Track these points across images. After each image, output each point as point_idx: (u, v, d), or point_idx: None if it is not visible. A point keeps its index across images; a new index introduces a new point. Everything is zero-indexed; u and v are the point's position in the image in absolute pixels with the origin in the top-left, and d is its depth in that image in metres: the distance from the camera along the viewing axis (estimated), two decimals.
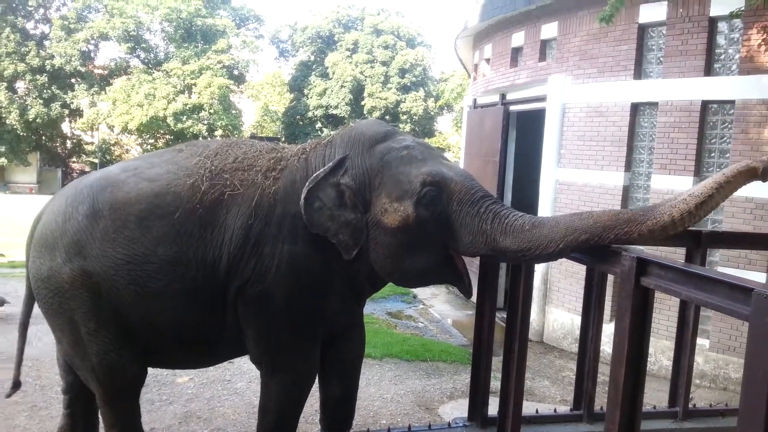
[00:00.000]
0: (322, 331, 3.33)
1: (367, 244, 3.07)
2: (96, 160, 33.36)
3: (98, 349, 3.16)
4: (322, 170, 3.06)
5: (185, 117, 31.35)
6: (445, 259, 3.06)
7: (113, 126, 32.56)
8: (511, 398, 3.10)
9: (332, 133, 3.47)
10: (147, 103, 30.64)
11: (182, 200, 3.11)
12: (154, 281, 3.07)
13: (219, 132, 32.32)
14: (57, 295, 3.16)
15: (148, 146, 33.41)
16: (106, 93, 32.14)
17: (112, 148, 35.75)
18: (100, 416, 3.56)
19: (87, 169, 34.68)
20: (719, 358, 6.41)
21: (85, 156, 36.12)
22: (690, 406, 3.78)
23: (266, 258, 3.09)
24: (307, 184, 3.03)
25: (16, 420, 4.43)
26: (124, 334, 3.17)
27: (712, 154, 6.78)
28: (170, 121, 31.03)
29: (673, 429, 3.65)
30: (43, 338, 5.99)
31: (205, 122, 32.16)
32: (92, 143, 35.88)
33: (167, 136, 32.70)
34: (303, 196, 3.01)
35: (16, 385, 3.58)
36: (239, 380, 5.36)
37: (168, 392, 4.96)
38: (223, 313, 3.20)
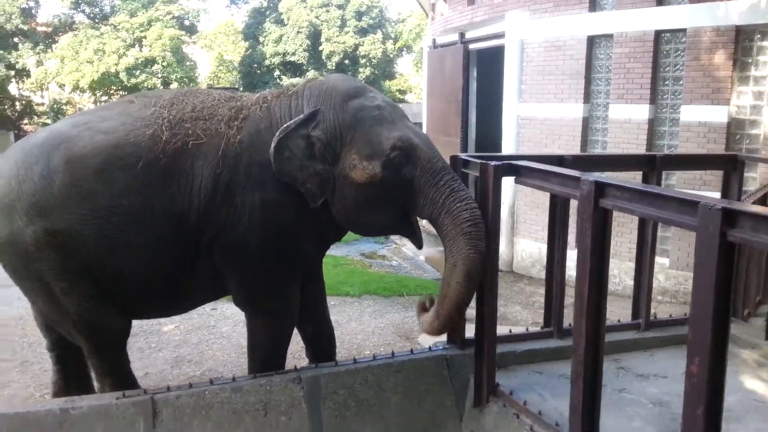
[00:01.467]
0: (299, 274, 3.52)
1: (332, 195, 3.24)
2: (49, 121, 32.20)
3: (75, 308, 3.20)
4: (293, 121, 3.15)
5: (138, 71, 30.40)
6: (401, 216, 3.32)
7: (64, 85, 31.43)
8: (487, 319, 3.33)
9: (294, 83, 3.53)
10: (97, 59, 29.56)
11: (143, 150, 3.12)
12: (123, 233, 3.10)
13: (174, 85, 31.47)
14: (22, 258, 3.13)
15: (102, 103, 32.40)
16: (52, 51, 30.87)
17: (65, 108, 34.57)
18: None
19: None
20: (678, 274, 6.82)
21: (36, 117, 34.87)
22: (651, 318, 4.10)
23: (237, 206, 3.18)
24: (278, 133, 3.12)
25: (9, 376, 4.55)
26: (98, 289, 3.21)
27: (667, 82, 7.02)
28: (123, 76, 30.06)
29: (636, 338, 3.97)
30: (23, 298, 6.02)
31: (159, 76, 31.25)
32: (43, 104, 34.63)
33: (121, 92, 31.72)
34: (273, 145, 3.10)
35: None
36: (224, 325, 5.54)
37: (156, 340, 5.11)
38: (194, 261, 3.28)
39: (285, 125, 3.15)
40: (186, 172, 3.16)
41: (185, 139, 3.17)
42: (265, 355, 3.59)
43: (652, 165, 3.89)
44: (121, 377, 3.55)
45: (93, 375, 3.58)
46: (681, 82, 6.83)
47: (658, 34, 6.93)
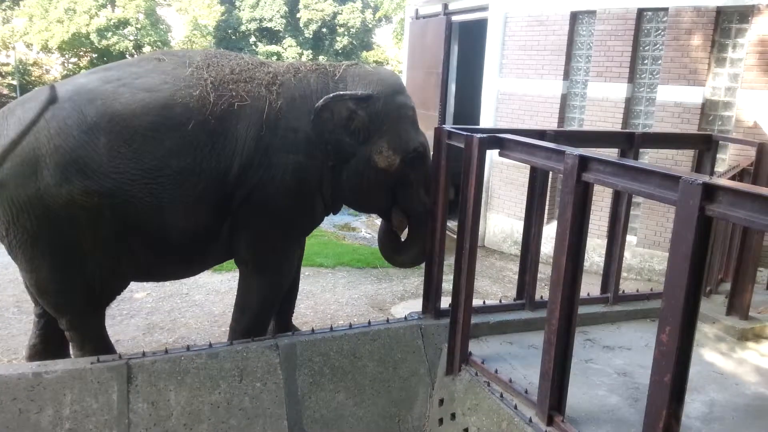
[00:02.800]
0: (303, 238, 3.82)
1: (348, 169, 3.55)
2: (15, 82, 31.28)
3: (91, 271, 3.18)
4: (349, 92, 3.46)
5: (110, 33, 29.56)
6: (392, 202, 3.79)
7: (31, 44, 30.42)
8: (463, 290, 3.37)
9: (330, 63, 3.81)
10: (67, 19, 28.64)
11: (193, 111, 3.17)
12: (168, 192, 3.14)
13: (147, 49, 30.71)
14: (44, 220, 3.00)
15: (71, 66, 31.51)
16: (20, 8, 29.79)
17: (31, 69, 33.54)
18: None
19: (5, 91, 32.49)
20: (645, 252, 6.96)
21: (1, 78, 33.81)
22: (619, 293, 4.20)
23: (272, 168, 3.33)
24: (332, 95, 3.41)
25: None
26: (121, 250, 3.21)
27: (646, 62, 7.06)
28: (94, 37, 29.20)
29: (604, 312, 4.08)
30: None
31: (132, 38, 30.44)
32: (8, 64, 33.52)
33: (91, 54, 30.86)
34: (321, 102, 3.38)
35: None
36: (197, 293, 5.50)
37: (128, 307, 5.06)
38: (225, 220, 3.37)
39: (340, 92, 3.44)
40: (231, 133, 3.26)
41: (231, 100, 3.27)
42: (257, 314, 3.69)
43: (630, 142, 3.94)
44: (104, 344, 3.54)
45: (72, 345, 3.52)
46: (659, 62, 6.88)
47: (641, 12, 6.95)
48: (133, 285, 5.48)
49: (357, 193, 3.67)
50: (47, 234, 3.05)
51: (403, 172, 3.65)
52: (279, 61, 3.75)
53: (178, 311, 5.11)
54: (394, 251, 4.04)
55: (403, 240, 4.03)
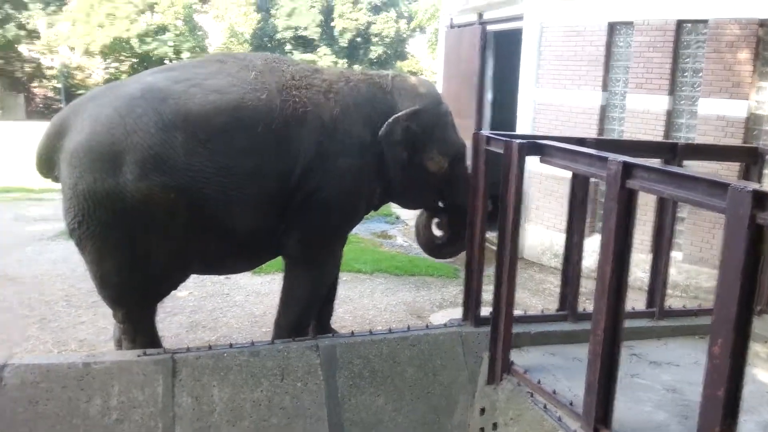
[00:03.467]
0: (347, 234, 4.00)
1: (401, 173, 3.81)
2: (59, 85, 32.15)
3: (156, 265, 3.28)
4: (404, 112, 3.74)
5: (149, 39, 30.22)
6: (438, 199, 4.18)
7: (74, 48, 31.26)
8: (504, 297, 3.37)
9: (377, 73, 4.08)
10: (108, 24, 29.39)
11: (261, 114, 3.33)
12: (237, 191, 3.27)
13: (186, 55, 31.29)
14: (120, 213, 3.08)
15: (112, 70, 32.26)
16: (62, 12, 30.67)
17: (74, 72, 34.43)
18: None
19: (50, 94, 33.40)
20: (691, 269, 6.83)
21: (46, 81, 34.75)
22: (666, 308, 4.12)
23: (331, 171, 3.50)
24: (390, 120, 3.68)
25: (29, 331, 4.63)
26: (189, 244, 3.31)
27: (686, 74, 6.98)
28: (134, 42, 29.91)
29: (651, 326, 4.00)
30: (41, 257, 6.17)
31: (170, 44, 31.06)
32: (53, 67, 34.45)
33: (131, 60, 31.57)
34: (384, 129, 3.67)
35: None
36: (237, 294, 5.59)
37: (171, 305, 5.16)
38: (282, 219, 3.51)
39: (397, 115, 3.71)
40: (295, 137, 3.42)
41: (295, 106, 3.44)
42: (303, 308, 3.83)
43: (673, 153, 3.90)
44: (155, 338, 3.64)
45: (124, 337, 3.59)
46: (700, 75, 6.79)
47: (680, 23, 6.87)
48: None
49: (409, 194, 4.04)
50: (121, 228, 3.13)
51: (450, 172, 3.99)
52: (329, 68, 3.99)
53: (220, 311, 5.21)
54: (435, 244, 4.38)
55: (439, 234, 4.40)
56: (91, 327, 4.69)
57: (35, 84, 35.54)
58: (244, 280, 5.68)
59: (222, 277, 5.83)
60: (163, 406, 3.16)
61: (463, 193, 4.03)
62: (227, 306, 5.32)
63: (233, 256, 3.66)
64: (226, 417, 3.23)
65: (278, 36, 35.28)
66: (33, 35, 31.80)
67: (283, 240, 3.61)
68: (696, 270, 6.79)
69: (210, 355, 3.31)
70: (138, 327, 3.52)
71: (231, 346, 3.41)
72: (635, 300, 4.17)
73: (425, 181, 3.96)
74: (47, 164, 3.27)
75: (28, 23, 30.83)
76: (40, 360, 3.19)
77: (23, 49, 33.58)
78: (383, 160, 3.75)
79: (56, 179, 3.30)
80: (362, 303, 5.62)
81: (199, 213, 3.23)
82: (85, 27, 29.65)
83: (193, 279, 5.74)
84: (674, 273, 6.66)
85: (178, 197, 3.14)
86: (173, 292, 5.37)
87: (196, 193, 3.18)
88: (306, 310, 3.86)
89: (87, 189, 3.05)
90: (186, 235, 3.28)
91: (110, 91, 3.30)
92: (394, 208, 9.17)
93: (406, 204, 4.33)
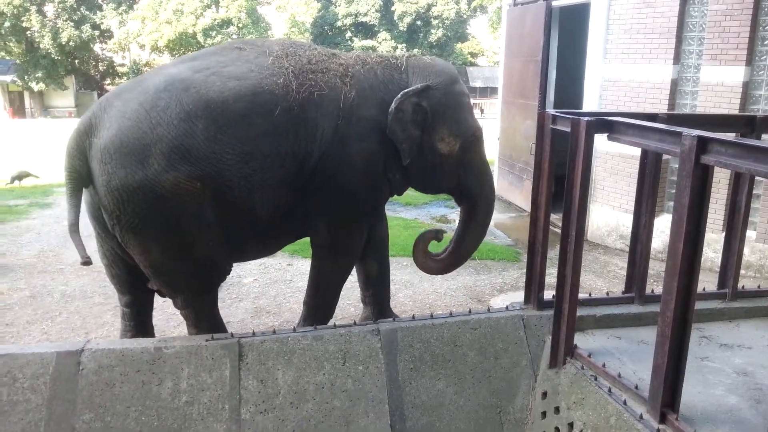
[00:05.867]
0: (371, 219, 3.96)
1: (415, 156, 3.75)
2: None
3: (200, 253, 3.36)
4: (412, 89, 3.65)
5: (214, 32, 31.03)
6: (455, 183, 4.03)
7: (144, 45, 32.48)
8: (569, 279, 3.27)
9: (393, 55, 4.00)
10: (175, 20, 30.37)
11: (279, 98, 3.34)
12: (259, 176, 3.31)
13: None
14: (153, 205, 3.13)
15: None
16: (134, 11, 31.89)
17: (144, 69, 35.79)
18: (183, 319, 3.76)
19: None
20: (766, 248, 6.48)
21: (118, 78, 36.29)
22: (738, 288, 3.92)
23: (347, 155, 3.49)
24: (400, 96, 3.60)
25: (104, 318, 4.86)
26: (221, 232, 3.38)
27: (766, 42, 6.56)
28: (200, 37, 30.79)
29: (722, 308, 3.82)
30: None
31: (234, 37, 31.78)
32: (124, 65, 35.92)
33: None
34: (394, 105, 3.58)
35: (88, 258, 3.35)
36: (300, 280, 5.69)
37: (237, 291, 5.32)
38: (301, 203, 3.53)
39: (405, 90, 3.63)
40: (312, 120, 3.43)
41: (311, 89, 3.44)
42: (329, 292, 3.98)
43: (751, 126, 3.67)
44: (217, 321, 3.75)
45: (187, 323, 3.73)
46: None
47: None
48: (241, 270, 5.80)
49: (422, 177, 3.93)
50: (157, 217, 3.18)
51: (463, 154, 3.91)
52: (347, 52, 3.93)
53: (283, 296, 5.31)
54: (428, 265, 4.28)
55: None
56: (161, 313, 4.86)
57: (108, 81, 37.15)
58: (306, 266, 5.73)
59: (284, 264, 5.96)
60: (231, 388, 3.24)
61: (475, 182, 4.02)
62: (290, 292, 5.42)
63: (255, 242, 3.68)
64: (290, 399, 3.29)
65: (338, 24, 35.50)
66: (106, 35, 33.24)
67: (311, 227, 3.69)
68: None
69: (274, 339, 3.37)
70: (199, 312, 3.62)
71: (294, 330, 3.47)
72: (705, 281, 3.97)
73: (438, 164, 3.87)
74: (78, 162, 3.23)
75: (101, 23, 32.22)
76: (114, 345, 3.31)
77: (97, 48, 35.15)
78: None
79: (83, 182, 3.25)
80: (422, 287, 5.61)
81: (225, 200, 3.27)
82: (154, 24, 30.74)
83: (257, 266, 5.94)
84: (747, 253, 6.33)
85: (204, 185, 3.19)
86: (238, 279, 5.61)
87: (221, 180, 3.22)
88: (332, 293, 4.03)
89: (120, 184, 3.10)
90: (219, 223, 3.33)
91: (136, 86, 3.33)
92: None
93: (424, 188, 4.17)
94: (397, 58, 3.89)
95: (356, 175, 3.58)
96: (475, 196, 4.09)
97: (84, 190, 3.31)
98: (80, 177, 3.24)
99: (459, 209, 4.27)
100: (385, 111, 3.63)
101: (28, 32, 30.79)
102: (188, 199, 3.18)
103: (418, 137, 3.73)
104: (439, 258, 4.30)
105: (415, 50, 33.49)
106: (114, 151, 3.11)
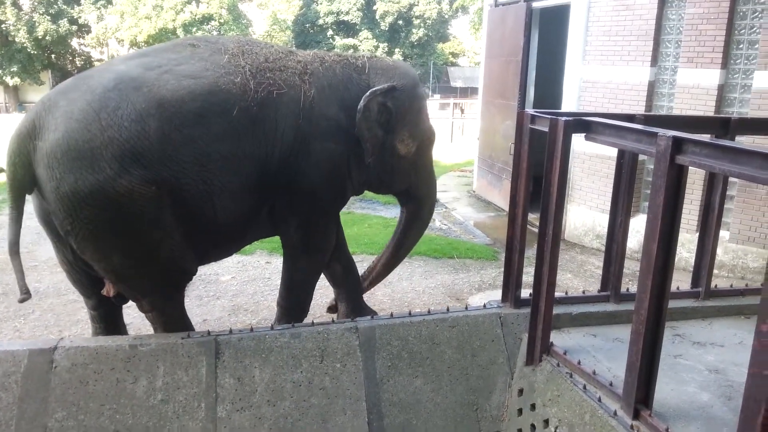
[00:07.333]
0: (338, 218, 4.04)
1: (377, 156, 3.76)
2: None
3: (163, 257, 3.22)
4: (378, 88, 3.66)
5: (195, 28, 30.75)
6: (407, 183, 4.11)
7: (122, 40, 32.07)
8: (545, 278, 3.30)
9: (353, 52, 3.94)
10: (155, 15, 30.02)
11: (236, 98, 3.23)
12: (218, 178, 3.20)
13: None
14: (108, 212, 2.94)
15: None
16: (113, 6, 31.47)
17: None
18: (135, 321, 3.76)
19: None
20: (738, 248, 6.59)
21: None
22: (712, 287, 3.98)
23: (310, 155, 3.44)
24: (367, 95, 3.61)
25: (77, 315, 4.79)
26: (184, 235, 3.26)
27: (741, 46, 6.66)
28: (180, 33, 30.47)
29: (695, 307, 3.88)
30: None
31: (215, 33, 31.52)
32: (102, 60, 35.40)
33: None
34: (362, 103, 3.59)
35: (27, 293, 3.23)
36: (278, 278, 5.58)
37: (214, 289, 5.28)
38: (266, 204, 3.50)
39: (373, 89, 3.63)
40: (271, 120, 3.36)
41: (270, 88, 3.36)
42: (302, 291, 3.96)
43: (725, 128, 3.72)
44: (185, 322, 3.69)
45: (154, 327, 3.66)
46: (756, 46, 6.47)
47: None
48: (219, 268, 5.75)
49: (379, 176, 3.95)
50: (113, 225, 3.01)
51: (415, 159, 4.00)
52: (304, 51, 3.89)
53: (261, 294, 5.28)
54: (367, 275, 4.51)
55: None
56: (136, 311, 4.71)
57: None
58: None
59: (263, 261, 5.92)
60: (207, 386, 3.22)
61: (423, 184, 4.13)
62: (269, 290, 5.39)
63: (218, 244, 3.60)
64: (267, 397, 3.27)
65: (320, 22, 35.40)
66: (84, 29, 32.74)
67: (281, 228, 3.68)
68: (743, 249, 6.55)
69: (252, 337, 3.35)
70: (166, 314, 3.53)
71: (272, 328, 3.45)
72: (679, 281, 4.03)
73: (395, 165, 3.93)
74: (21, 169, 2.99)
75: (79, 18, 31.74)
76: (89, 342, 3.26)
77: (74, 43, 34.61)
78: (358, 141, 3.66)
79: (26, 190, 3.07)
80: (401, 286, 5.62)
81: (184, 203, 3.14)
82: (133, 19, 30.36)
83: (235, 263, 5.90)
84: (720, 253, 6.44)
85: (160, 189, 3.02)
86: (216, 277, 5.57)
87: (177, 183, 3.07)
88: (306, 293, 4.00)
89: (70, 190, 2.88)
90: (179, 226, 3.20)
91: (81, 83, 3.08)
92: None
93: (378, 188, 4.15)
94: (357, 58, 3.86)
95: (321, 175, 3.55)
96: (422, 197, 4.20)
97: (32, 194, 3.12)
98: (23, 185, 3.02)
99: (436, 209, 4.32)
100: (346, 110, 3.59)
101: (3, 25, 30.22)
102: (146, 205, 3.00)
103: (381, 137, 3.76)
104: (381, 263, 4.48)
105: (397, 50, 33.53)
106: (61, 155, 2.87)
